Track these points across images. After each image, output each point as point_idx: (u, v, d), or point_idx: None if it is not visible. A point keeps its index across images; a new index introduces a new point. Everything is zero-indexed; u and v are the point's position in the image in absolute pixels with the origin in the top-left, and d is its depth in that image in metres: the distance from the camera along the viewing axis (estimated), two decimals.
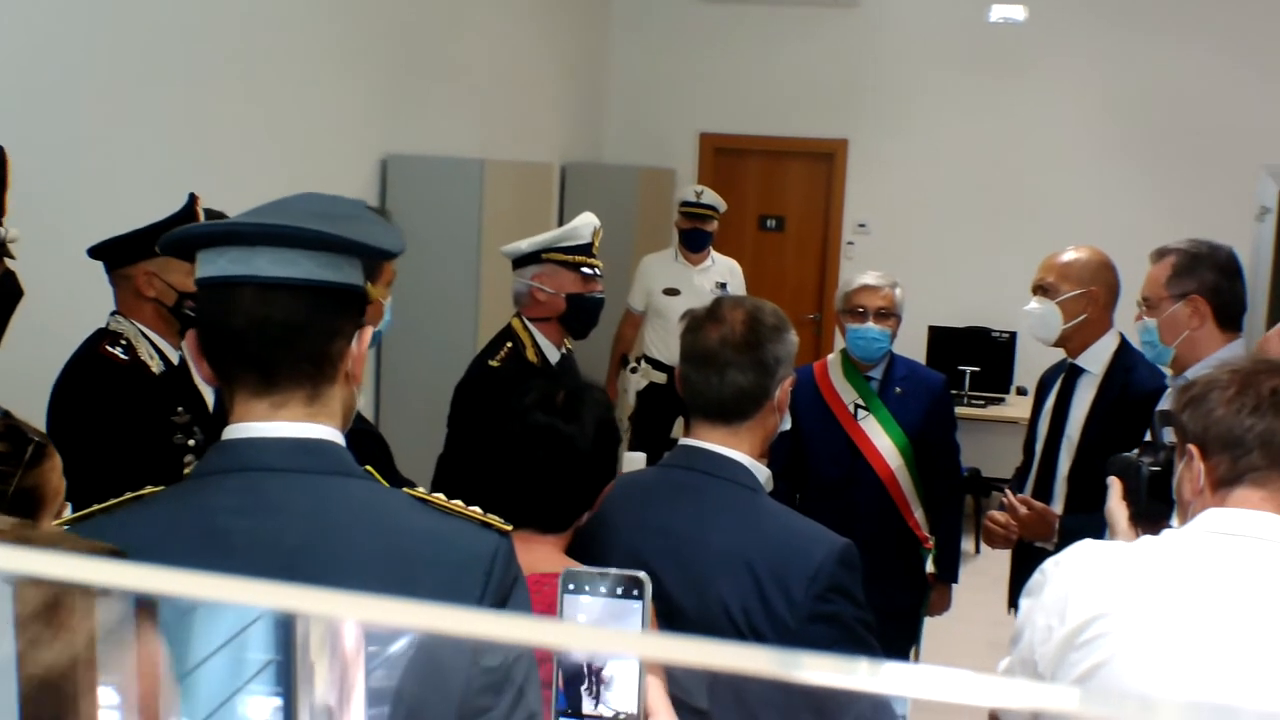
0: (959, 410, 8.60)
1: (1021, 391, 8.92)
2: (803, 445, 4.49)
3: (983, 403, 9.10)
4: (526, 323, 4.26)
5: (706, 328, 2.53)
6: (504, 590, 1.63)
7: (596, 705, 1.24)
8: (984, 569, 7.05)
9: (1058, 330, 4.07)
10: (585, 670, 1.25)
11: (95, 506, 1.69)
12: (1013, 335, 9.10)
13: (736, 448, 2.49)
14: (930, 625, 4.80)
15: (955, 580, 4.64)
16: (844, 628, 2.38)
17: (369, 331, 1.75)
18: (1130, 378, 4.02)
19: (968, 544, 7.39)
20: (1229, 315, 3.59)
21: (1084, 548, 2.07)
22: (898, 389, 4.48)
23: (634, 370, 7.63)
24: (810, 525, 2.48)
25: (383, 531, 1.64)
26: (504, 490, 2.36)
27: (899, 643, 4.56)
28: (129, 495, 1.71)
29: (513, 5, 8.33)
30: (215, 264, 1.64)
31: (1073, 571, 2.02)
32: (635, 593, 1.27)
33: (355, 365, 1.74)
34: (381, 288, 2.97)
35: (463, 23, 7.53)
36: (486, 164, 6.62)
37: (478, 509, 1.73)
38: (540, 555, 2.40)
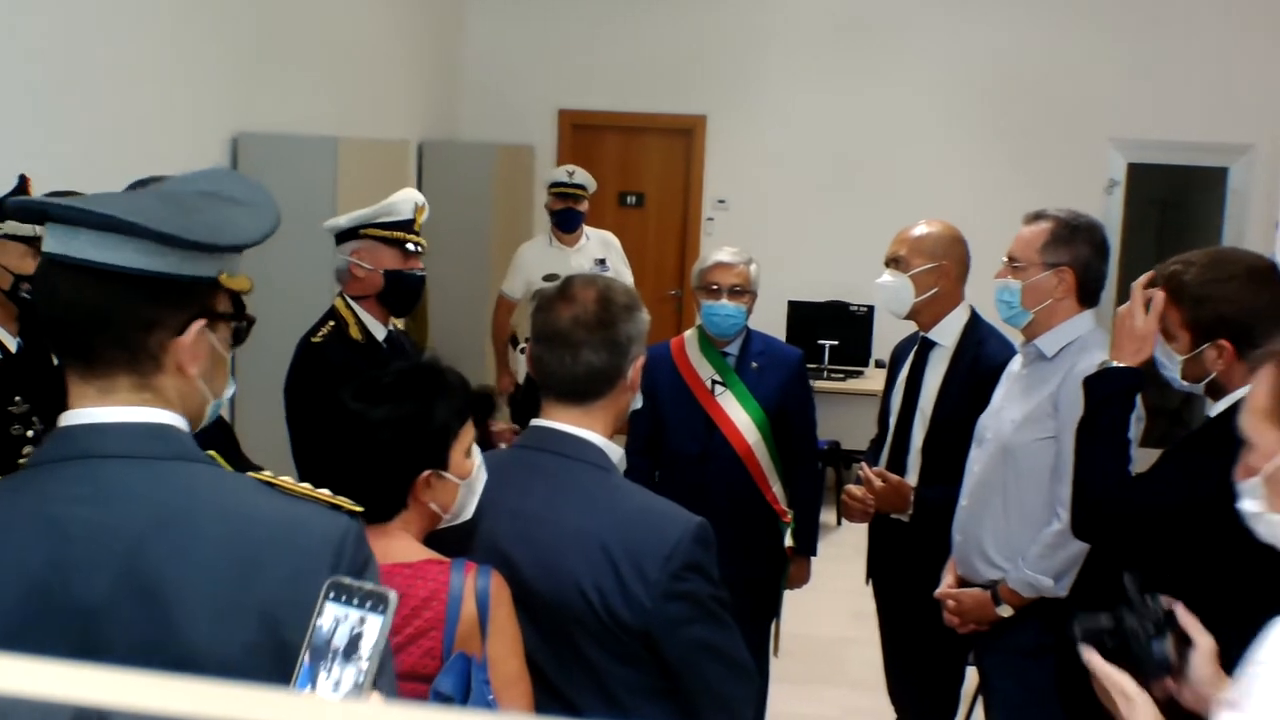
0: (819, 384, 8.70)
1: (880, 364, 9.02)
2: (661, 421, 4.50)
3: (842, 376, 9.20)
4: (349, 300, 4.20)
5: (558, 307, 2.49)
6: (354, 574, 1.58)
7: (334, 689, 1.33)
8: (846, 540, 7.12)
9: (910, 303, 4.11)
10: (328, 650, 1.34)
11: None
12: (871, 309, 9.21)
13: (590, 427, 2.47)
14: (794, 596, 4.84)
15: (814, 553, 4.67)
16: (699, 605, 2.38)
17: (199, 324, 1.67)
18: (981, 351, 4.08)
19: (829, 516, 7.48)
20: (1090, 291, 3.63)
21: None
22: (754, 364, 4.49)
23: (523, 351, 7.59)
24: (664, 504, 2.47)
25: (227, 517, 1.60)
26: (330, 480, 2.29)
27: (759, 616, 4.60)
28: None
29: None
30: (47, 241, 1.61)
31: None
32: (380, 608, 1.34)
33: (185, 358, 1.67)
34: None
35: None
36: (340, 141, 6.51)
37: (327, 491, 1.70)
38: (398, 545, 2.36)
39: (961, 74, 9.80)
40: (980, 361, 4.05)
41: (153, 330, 1.65)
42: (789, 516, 4.55)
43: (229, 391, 1.80)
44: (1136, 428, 3.40)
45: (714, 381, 4.46)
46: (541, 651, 2.37)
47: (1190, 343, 2.95)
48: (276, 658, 1.53)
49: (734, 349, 4.52)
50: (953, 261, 4.13)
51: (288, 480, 1.70)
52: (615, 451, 2.49)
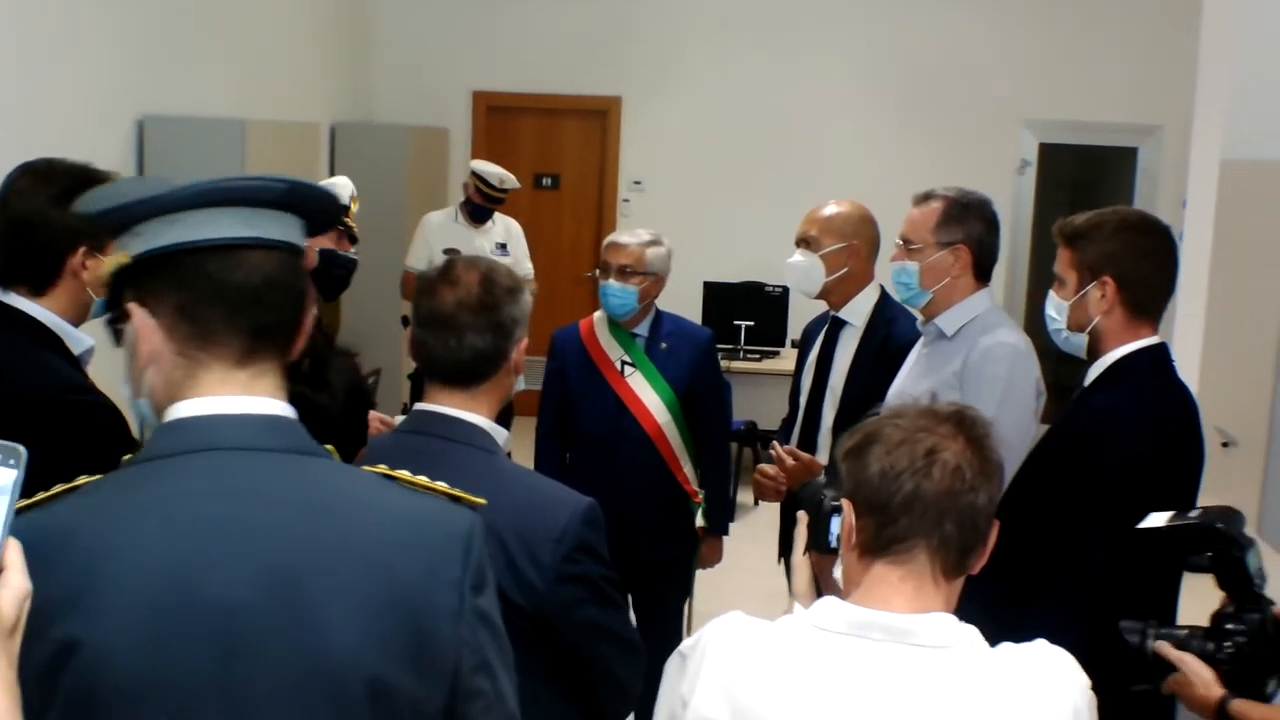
0: (735, 365, 8.73)
1: (796, 344, 9.05)
2: (571, 403, 4.50)
3: (758, 356, 9.23)
4: None
5: (441, 290, 2.46)
6: (482, 567, 1.60)
7: None
8: (763, 519, 7.14)
9: (820, 283, 4.12)
10: None
11: (19, 504, 1.51)
12: (786, 290, 9.23)
13: (475, 411, 2.44)
14: (711, 575, 4.84)
15: (725, 533, 4.69)
16: (591, 586, 2.37)
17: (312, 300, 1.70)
18: (891, 330, 4.09)
19: (746, 496, 7.50)
20: (984, 267, 3.68)
21: (724, 635, 1.89)
22: (664, 345, 4.49)
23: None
24: (553, 486, 2.46)
25: (358, 512, 1.57)
26: None
27: (672, 595, 4.62)
28: (61, 487, 1.56)
29: None
30: (217, 224, 1.57)
31: (708, 663, 1.86)
32: (12, 462, 1.35)
33: (301, 339, 1.68)
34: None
35: None
36: (248, 124, 6.43)
37: (444, 484, 1.70)
38: None
39: (874, 55, 9.85)
40: (890, 340, 4.07)
41: (307, 309, 1.66)
42: (700, 497, 4.57)
43: None
44: (1037, 404, 3.48)
45: (623, 362, 4.46)
46: None
47: (1077, 283, 3.04)
48: (416, 656, 1.52)
49: (643, 329, 4.51)
50: (863, 241, 4.15)
51: (405, 473, 1.68)
52: (501, 434, 2.47)
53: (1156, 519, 2.59)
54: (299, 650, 1.48)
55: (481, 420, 2.44)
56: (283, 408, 1.62)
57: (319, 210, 1.69)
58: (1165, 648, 2.49)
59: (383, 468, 1.68)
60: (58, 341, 2.76)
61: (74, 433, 2.63)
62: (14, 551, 1.33)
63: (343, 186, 4.20)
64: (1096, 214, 3.08)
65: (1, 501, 1.33)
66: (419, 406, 2.50)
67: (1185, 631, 2.51)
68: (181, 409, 1.58)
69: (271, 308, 1.60)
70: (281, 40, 8.22)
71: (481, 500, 1.70)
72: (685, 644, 1.92)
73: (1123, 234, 3.02)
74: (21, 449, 1.34)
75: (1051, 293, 3.14)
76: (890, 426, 1.90)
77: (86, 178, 2.78)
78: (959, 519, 1.84)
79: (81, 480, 1.58)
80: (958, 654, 1.81)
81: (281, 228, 1.62)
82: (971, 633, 1.84)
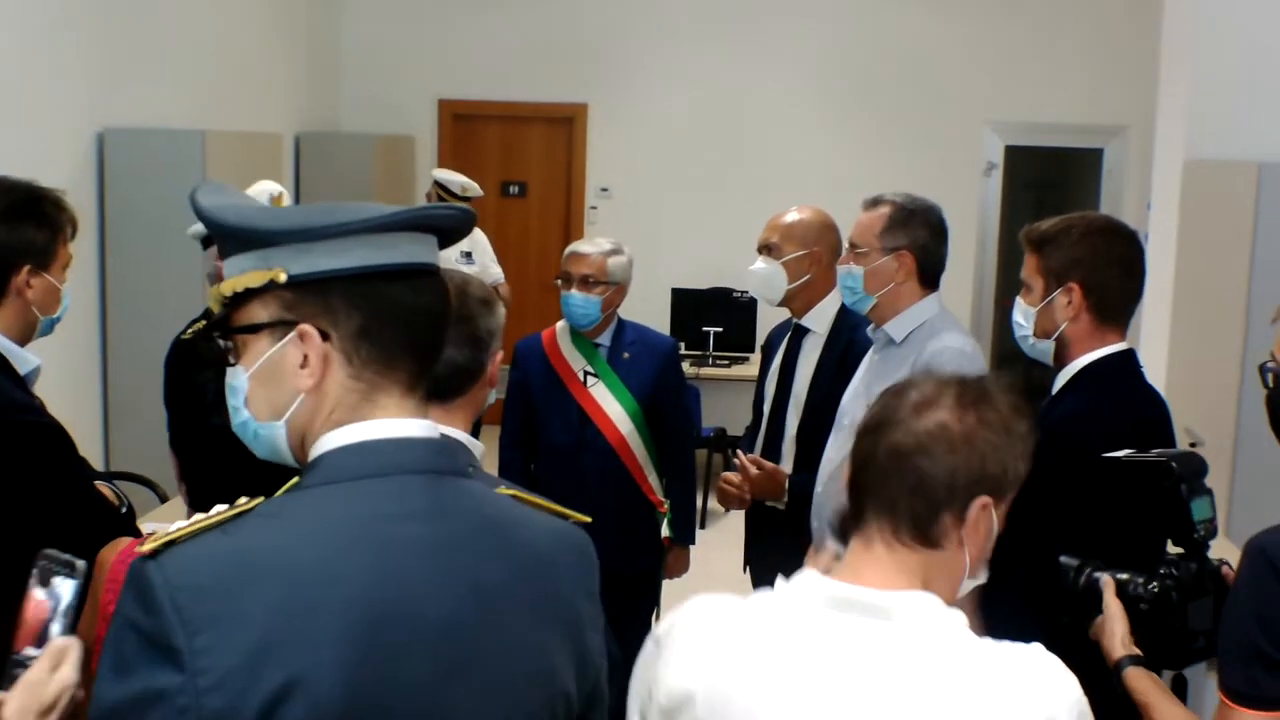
0: (703, 371, 8.73)
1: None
2: (534, 413, 4.47)
3: (727, 362, 9.22)
4: None
5: None
6: (596, 580, 1.72)
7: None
8: (733, 527, 7.12)
9: (782, 290, 4.12)
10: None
11: (182, 530, 1.43)
12: (754, 296, 9.20)
13: (450, 425, 2.40)
14: (678, 583, 4.81)
15: (691, 542, 4.67)
16: None
17: None
18: (854, 337, 4.07)
19: (715, 503, 7.49)
20: (931, 274, 3.68)
21: (695, 613, 1.89)
22: (626, 354, 4.48)
23: None
24: None
25: (522, 529, 1.63)
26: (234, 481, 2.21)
27: (640, 607, 4.59)
28: (228, 511, 1.47)
29: None
30: (403, 249, 1.56)
31: (679, 640, 1.86)
32: (70, 572, 1.70)
33: None
34: (59, 272, 2.80)
35: None
36: (208, 135, 6.37)
37: (550, 501, 1.75)
38: None
39: (839, 60, 9.85)
40: (853, 347, 4.05)
41: None
42: (665, 506, 4.54)
43: None
44: None
45: (586, 373, 4.43)
46: None
47: (1044, 289, 3.03)
48: (578, 664, 1.64)
49: (605, 339, 4.49)
50: (824, 248, 4.14)
51: (518, 489, 1.74)
52: (477, 447, 2.44)
53: (1119, 453, 2.63)
54: (510, 663, 1.54)
55: (457, 434, 2.40)
56: (437, 429, 1.62)
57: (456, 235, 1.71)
58: (1107, 588, 2.53)
59: (504, 487, 1.72)
60: (3, 361, 2.72)
61: (20, 453, 2.59)
62: (75, 650, 1.65)
63: (260, 191, 4.09)
64: (1063, 219, 3.07)
65: (64, 605, 1.67)
66: None
67: (1126, 576, 2.55)
68: (359, 431, 1.54)
69: (439, 333, 1.63)
70: (244, 50, 8.17)
71: (587, 518, 1.75)
72: (659, 628, 1.92)
73: (1089, 239, 3.00)
74: (81, 563, 1.67)
75: (1018, 299, 3.13)
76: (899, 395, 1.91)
77: (30, 195, 2.76)
78: (908, 484, 1.83)
79: (245, 502, 1.50)
80: (933, 634, 1.78)
81: (435, 252, 1.63)
82: (954, 616, 1.81)
